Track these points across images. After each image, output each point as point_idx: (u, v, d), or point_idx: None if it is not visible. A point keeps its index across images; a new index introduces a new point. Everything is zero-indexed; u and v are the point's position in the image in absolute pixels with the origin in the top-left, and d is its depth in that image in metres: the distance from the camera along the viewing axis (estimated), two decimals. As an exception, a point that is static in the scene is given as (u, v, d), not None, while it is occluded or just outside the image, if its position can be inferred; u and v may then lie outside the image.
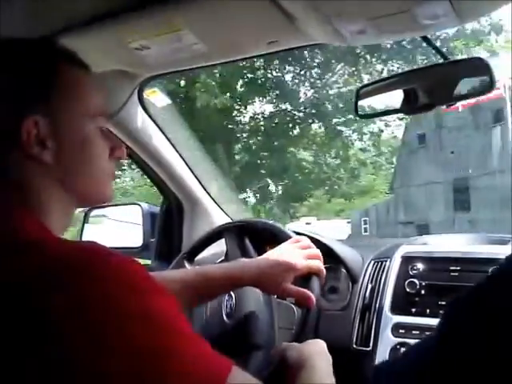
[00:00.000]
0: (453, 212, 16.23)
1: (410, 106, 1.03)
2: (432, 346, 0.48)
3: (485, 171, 15.21)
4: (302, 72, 13.06)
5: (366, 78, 12.24)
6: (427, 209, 16.17)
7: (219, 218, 1.63)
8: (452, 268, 1.11)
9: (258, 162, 13.72)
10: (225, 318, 1.09)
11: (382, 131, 15.51)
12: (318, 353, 0.79)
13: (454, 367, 0.43)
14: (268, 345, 0.99)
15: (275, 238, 1.22)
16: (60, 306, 0.48)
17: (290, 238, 1.15)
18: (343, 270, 1.24)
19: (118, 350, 0.47)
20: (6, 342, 0.48)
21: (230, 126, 13.08)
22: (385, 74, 11.81)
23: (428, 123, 17.88)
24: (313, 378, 0.70)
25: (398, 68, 12.35)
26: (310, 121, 13.69)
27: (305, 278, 0.99)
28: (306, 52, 11.86)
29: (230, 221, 1.61)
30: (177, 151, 1.50)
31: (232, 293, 1.08)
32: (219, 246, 1.41)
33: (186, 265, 1.25)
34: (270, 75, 13.10)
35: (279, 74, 13.31)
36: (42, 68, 0.64)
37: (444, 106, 1.13)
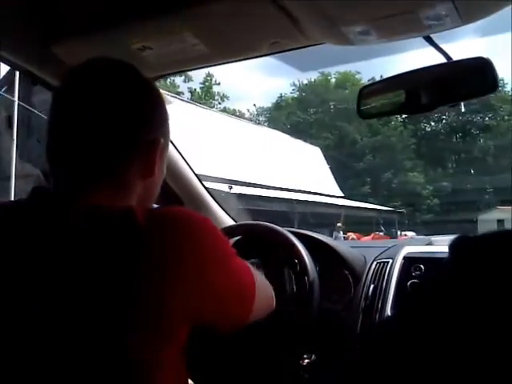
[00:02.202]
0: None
1: (412, 105, 1.03)
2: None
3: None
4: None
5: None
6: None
7: (222, 221, 1.62)
8: (455, 269, 1.11)
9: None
10: None
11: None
12: None
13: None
14: None
15: (276, 240, 1.22)
16: (177, 245, 0.64)
17: (290, 240, 1.15)
18: (345, 271, 1.24)
19: (226, 272, 0.70)
20: (128, 282, 0.60)
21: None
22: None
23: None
24: None
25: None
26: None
27: None
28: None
29: (232, 224, 1.61)
30: (178, 152, 1.50)
31: None
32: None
33: None
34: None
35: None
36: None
37: (446, 106, 1.12)
